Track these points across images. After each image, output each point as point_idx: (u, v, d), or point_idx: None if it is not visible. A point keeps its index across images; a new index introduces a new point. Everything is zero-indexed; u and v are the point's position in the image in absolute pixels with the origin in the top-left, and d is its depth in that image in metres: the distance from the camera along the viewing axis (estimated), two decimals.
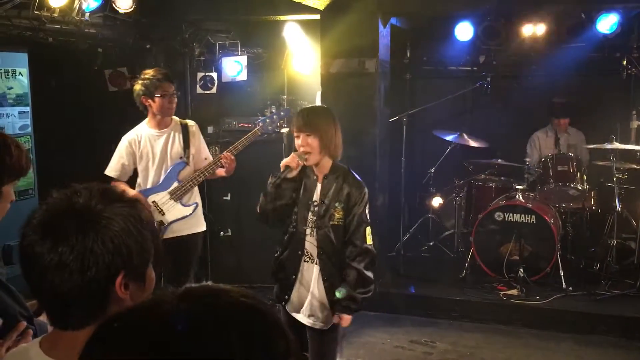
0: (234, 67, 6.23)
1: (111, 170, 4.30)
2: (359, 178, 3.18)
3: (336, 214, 3.07)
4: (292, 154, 3.10)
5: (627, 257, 5.82)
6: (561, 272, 5.50)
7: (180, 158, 4.26)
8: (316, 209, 3.10)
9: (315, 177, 3.14)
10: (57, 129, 6.28)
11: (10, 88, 5.85)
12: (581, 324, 5.13)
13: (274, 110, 4.65)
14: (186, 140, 4.29)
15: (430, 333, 5.13)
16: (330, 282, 3.09)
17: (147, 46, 5.94)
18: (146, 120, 4.34)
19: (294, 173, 3.08)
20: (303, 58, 6.11)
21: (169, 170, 4.25)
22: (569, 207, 6.09)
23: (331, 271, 3.10)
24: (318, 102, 5.97)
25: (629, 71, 6.11)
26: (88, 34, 5.11)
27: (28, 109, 6.02)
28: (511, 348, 4.88)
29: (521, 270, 5.49)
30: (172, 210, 4.21)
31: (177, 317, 0.79)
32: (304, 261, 3.13)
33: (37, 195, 6.03)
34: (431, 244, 6.70)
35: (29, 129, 6.05)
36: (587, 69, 6.69)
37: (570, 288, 5.45)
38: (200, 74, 6.28)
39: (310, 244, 3.11)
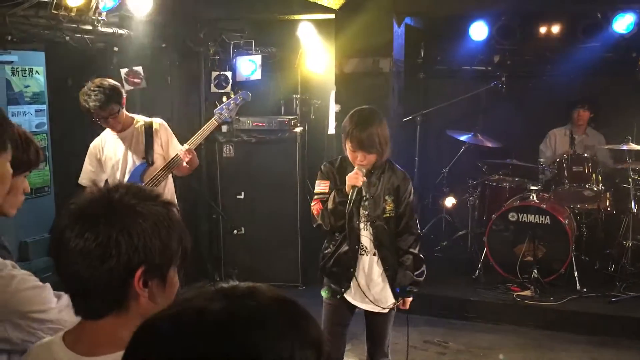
0: (249, 66, 6.26)
1: (81, 178, 4.21)
2: (400, 168, 3.35)
3: (387, 207, 3.23)
4: (356, 170, 3.12)
5: None
6: (575, 274, 5.46)
7: (143, 159, 4.15)
8: (366, 203, 3.22)
9: None
10: (73, 127, 6.34)
11: (27, 86, 5.91)
12: (595, 326, 5.10)
13: (231, 96, 4.37)
14: (148, 140, 4.15)
15: (444, 333, 5.12)
16: (391, 270, 3.27)
17: (163, 45, 5.99)
18: None
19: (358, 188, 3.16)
20: (317, 57, 6.12)
21: (131, 173, 4.14)
22: (584, 208, 6.05)
23: (390, 260, 3.28)
24: (332, 102, 5.99)
25: None
26: (105, 33, 5.16)
27: (44, 107, 6.08)
28: (525, 349, 4.86)
29: (535, 271, 5.46)
30: None
31: (216, 313, 0.83)
32: (360, 254, 3.27)
33: (53, 192, 6.09)
34: (444, 243, 6.68)
35: (45, 127, 6.11)
36: (603, 70, 6.63)
37: (585, 289, 5.42)
38: (214, 73, 6.31)
39: (365, 238, 3.26)
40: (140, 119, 4.23)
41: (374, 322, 3.42)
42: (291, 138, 6.05)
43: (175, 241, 1.27)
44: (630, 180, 5.64)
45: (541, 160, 6.25)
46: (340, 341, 3.46)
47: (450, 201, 6.76)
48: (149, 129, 4.18)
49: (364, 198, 3.22)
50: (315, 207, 3.26)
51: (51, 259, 1.29)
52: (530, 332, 5.14)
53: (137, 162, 4.14)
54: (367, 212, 3.23)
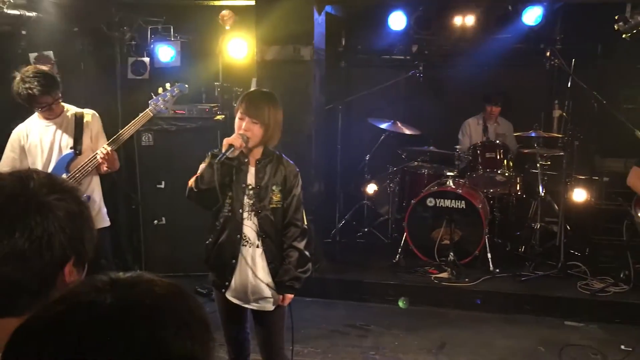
0: (167, 52, 6.11)
1: (2, 165, 4.02)
2: (291, 161, 3.24)
3: (274, 197, 3.12)
4: (236, 133, 3.04)
5: (550, 239, 6.10)
6: (489, 255, 5.73)
7: (71, 148, 4.00)
8: (251, 192, 3.11)
9: (247, 161, 3.14)
10: None
11: None
12: (508, 304, 5.37)
13: (167, 88, 4.15)
14: (79, 130, 4.02)
15: (365, 317, 5.23)
16: (274, 264, 3.14)
17: (75, 29, 5.73)
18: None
19: (236, 153, 3.03)
20: (238, 44, 6.05)
21: (57, 161, 4.00)
22: (496, 193, 6.34)
23: (274, 253, 3.15)
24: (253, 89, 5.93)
25: (552, 62, 6.39)
26: (11, 15, 4.88)
27: None
28: (443, 328, 5.05)
29: (451, 254, 5.68)
30: None
31: (107, 307, 0.80)
32: (243, 245, 3.12)
33: None
34: (366, 230, 6.81)
35: None
36: (514, 60, 6.95)
37: (498, 270, 5.69)
38: (131, 59, 6.11)
39: (249, 228, 3.11)
40: (71, 108, 4.10)
41: (262, 321, 3.25)
42: (212, 126, 5.96)
43: (91, 231, 1.26)
44: (538, 165, 5.96)
45: (457, 147, 6.48)
46: (242, 344, 3.32)
47: (371, 188, 6.90)
48: (79, 119, 4.05)
49: (249, 186, 3.11)
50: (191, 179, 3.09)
51: None
52: (448, 312, 5.35)
53: (65, 151, 3.99)
54: (252, 202, 3.10)
